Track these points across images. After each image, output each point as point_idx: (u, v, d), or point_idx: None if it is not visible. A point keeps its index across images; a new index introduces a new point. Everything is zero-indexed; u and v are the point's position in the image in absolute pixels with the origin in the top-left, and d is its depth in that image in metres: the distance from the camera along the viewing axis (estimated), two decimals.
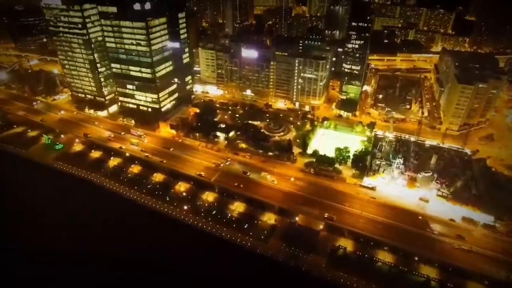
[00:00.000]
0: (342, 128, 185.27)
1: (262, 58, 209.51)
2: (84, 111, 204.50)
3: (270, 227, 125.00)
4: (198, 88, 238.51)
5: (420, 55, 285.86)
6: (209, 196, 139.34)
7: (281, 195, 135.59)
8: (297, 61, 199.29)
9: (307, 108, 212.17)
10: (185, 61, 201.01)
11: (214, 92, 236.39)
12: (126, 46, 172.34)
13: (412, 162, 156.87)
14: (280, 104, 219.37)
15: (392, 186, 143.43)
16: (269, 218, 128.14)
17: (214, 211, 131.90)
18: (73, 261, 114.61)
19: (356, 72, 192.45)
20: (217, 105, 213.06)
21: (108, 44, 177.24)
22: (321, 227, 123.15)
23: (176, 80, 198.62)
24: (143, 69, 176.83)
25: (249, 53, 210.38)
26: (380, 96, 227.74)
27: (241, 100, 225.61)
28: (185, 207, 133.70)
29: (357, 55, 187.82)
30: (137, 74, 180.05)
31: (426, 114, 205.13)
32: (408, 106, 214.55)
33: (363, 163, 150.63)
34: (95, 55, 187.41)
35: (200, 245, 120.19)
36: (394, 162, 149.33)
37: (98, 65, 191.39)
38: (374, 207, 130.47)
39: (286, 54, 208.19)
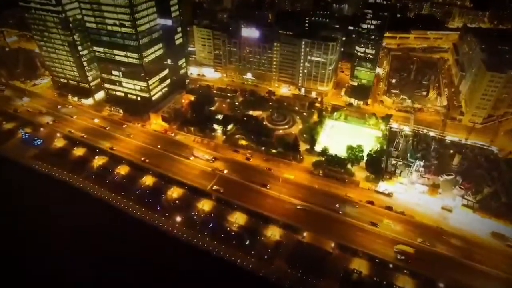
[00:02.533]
0: (353, 120, 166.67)
1: (264, 38, 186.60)
2: (67, 99, 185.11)
3: (274, 245, 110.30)
4: (193, 71, 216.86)
5: (436, 32, 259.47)
6: (205, 205, 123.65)
7: (286, 208, 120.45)
8: (303, 42, 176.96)
9: (313, 94, 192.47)
10: (177, 42, 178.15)
11: (211, 75, 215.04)
12: (109, 27, 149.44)
13: (433, 163, 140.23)
14: (284, 89, 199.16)
15: (410, 192, 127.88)
16: (274, 234, 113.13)
17: (211, 224, 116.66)
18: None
19: (371, 56, 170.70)
20: (215, 91, 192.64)
21: (88, 25, 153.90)
22: (332, 245, 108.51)
23: (169, 61, 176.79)
24: (129, 54, 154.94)
25: (250, 32, 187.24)
26: (394, 80, 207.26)
27: (241, 84, 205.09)
28: (178, 218, 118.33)
29: (373, 37, 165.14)
30: (122, 59, 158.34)
31: (444, 102, 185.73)
32: (424, 93, 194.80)
33: (378, 165, 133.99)
34: (75, 36, 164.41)
35: (195, 267, 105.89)
36: (413, 164, 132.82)
37: (79, 47, 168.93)
38: (394, 222, 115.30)
39: (291, 33, 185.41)
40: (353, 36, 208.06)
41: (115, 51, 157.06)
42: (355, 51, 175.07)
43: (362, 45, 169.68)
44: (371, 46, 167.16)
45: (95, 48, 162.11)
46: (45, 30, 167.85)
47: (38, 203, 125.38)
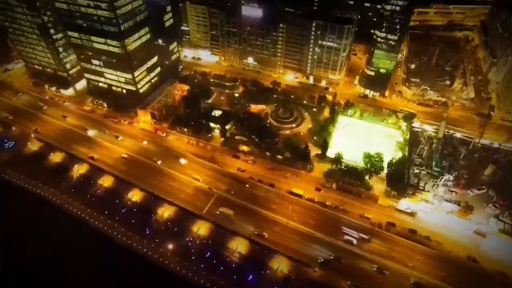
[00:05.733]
0: (370, 117, 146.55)
1: (267, 17, 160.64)
2: (44, 89, 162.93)
3: (282, 280, 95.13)
4: (187, 53, 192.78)
5: (460, 6, 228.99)
6: (201, 228, 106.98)
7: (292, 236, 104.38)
8: (314, 24, 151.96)
9: (323, 83, 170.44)
10: (167, 23, 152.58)
11: (207, 58, 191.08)
12: (82, 9, 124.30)
13: (462, 173, 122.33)
14: (290, 77, 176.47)
15: (437, 212, 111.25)
16: (281, 266, 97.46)
17: (208, 253, 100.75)
18: None
19: (392, 42, 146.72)
20: (211, 79, 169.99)
21: (57, 5, 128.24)
22: (349, 282, 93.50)
23: (159, 41, 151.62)
24: (110, 41, 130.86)
25: (251, 11, 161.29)
26: (413, 66, 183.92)
27: (241, 70, 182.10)
28: (170, 246, 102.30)
29: (397, 20, 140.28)
30: (102, 47, 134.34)
31: (472, 94, 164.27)
32: (448, 82, 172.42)
33: (400, 179, 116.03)
34: (45, 17, 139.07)
35: None
36: (441, 177, 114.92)
37: (52, 30, 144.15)
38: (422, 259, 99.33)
39: (299, 12, 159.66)
40: (370, 14, 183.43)
41: (93, 38, 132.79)
42: (374, 36, 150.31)
43: (383, 30, 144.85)
44: (395, 30, 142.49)
45: (70, 33, 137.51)
46: (8, 9, 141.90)
47: (9, 227, 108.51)
